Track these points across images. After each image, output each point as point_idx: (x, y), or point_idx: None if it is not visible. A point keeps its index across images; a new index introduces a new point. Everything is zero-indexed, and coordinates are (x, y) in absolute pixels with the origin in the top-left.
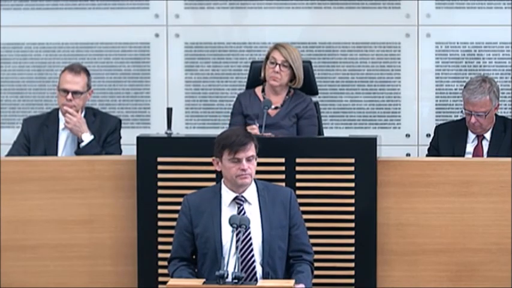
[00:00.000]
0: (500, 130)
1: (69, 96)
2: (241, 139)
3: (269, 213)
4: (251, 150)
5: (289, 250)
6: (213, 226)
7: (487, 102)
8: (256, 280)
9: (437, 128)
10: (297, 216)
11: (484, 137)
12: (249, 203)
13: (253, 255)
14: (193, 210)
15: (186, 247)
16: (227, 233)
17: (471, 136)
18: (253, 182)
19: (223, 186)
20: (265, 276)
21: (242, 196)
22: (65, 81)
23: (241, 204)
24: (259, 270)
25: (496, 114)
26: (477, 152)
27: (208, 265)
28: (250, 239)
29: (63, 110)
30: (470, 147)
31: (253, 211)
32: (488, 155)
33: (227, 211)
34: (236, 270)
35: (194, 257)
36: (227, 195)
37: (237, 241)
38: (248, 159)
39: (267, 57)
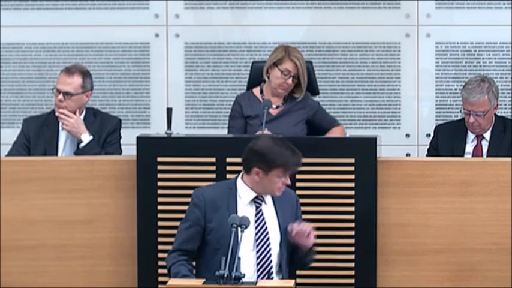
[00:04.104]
0: (500, 130)
1: (60, 96)
2: (297, 160)
3: (283, 215)
4: None
5: (289, 248)
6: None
7: (486, 102)
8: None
9: (437, 128)
10: (300, 218)
11: (483, 137)
12: (265, 203)
13: (270, 255)
14: (209, 205)
15: (194, 240)
16: (240, 232)
17: (470, 136)
18: None
19: (241, 184)
20: (280, 276)
21: (261, 196)
22: (58, 81)
23: (260, 204)
24: (275, 270)
25: (495, 114)
26: (477, 152)
27: (218, 261)
28: (269, 238)
29: (57, 113)
30: (469, 148)
31: (269, 212)
32: (488, 155)
33: (245, 210)
34: (236, 270)
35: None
36: (246, 193)
37: (256, 240)
38: None
39: (276, 64)
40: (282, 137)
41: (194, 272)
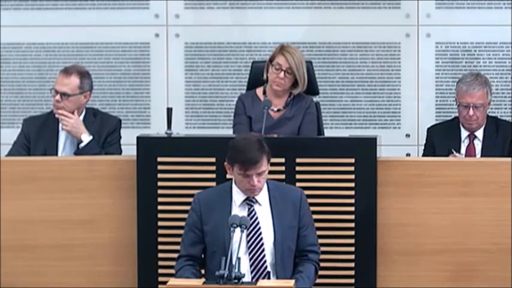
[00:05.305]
0: (493, 130)
1: (57, 97)
2: (253, 156)
3: (280, 214)
4: (263, 166)
5: (296, 250)
6: (223, 225)
7: (485, 94)
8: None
9: (430, 129)
10: (306, 217)
11: (475, 137)
12: (260, 204)
13: (264, 256)
14: (204, 208)
15: (194, 245)
16: (237, 232)
17: (463, 135)
18: (263, 187)
19: (234, 186)
20: (276, 276)
21: (253, 197)
22: (56, 81)
23: (251, 205)
24: (270, 271)
25: (487, 115)
26: (469, 151)
27: (217, 263)
28: (262, 239)
29: (56, 114)
30: (462, 147)
31: (264, 212)
32: (482, 156)
33: (237, 211)
34: (236, 270)
35: (203, 255)
36: (238, 195)
37: (248, 242)
38: (258, 174)
39: (271, 60)
40: (262, 135)
41: (200, 275)
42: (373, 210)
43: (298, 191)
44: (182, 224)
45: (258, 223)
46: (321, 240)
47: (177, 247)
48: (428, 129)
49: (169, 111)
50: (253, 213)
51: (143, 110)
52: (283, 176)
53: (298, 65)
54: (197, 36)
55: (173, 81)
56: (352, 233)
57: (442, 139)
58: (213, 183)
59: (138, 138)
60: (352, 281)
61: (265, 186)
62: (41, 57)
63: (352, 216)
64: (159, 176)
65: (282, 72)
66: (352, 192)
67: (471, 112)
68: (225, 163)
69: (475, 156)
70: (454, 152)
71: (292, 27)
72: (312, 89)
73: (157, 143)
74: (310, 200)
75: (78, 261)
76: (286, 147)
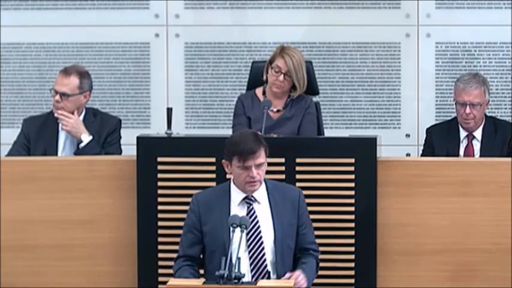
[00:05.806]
0: (491, 130)
1: (57, 97)
2: (251, 147)
3: (279, 212)
4: (261, 157)
5: (296, 248)
6: (222, 225)
7: (482, 93)
8: (269, 279)
9: (429, 130)
10: (305, 216)
11: (474, 137)
12: (259, 203)
13: (264, 254)
14: (202, 208)
15: (193, 245)
16: (236, 232)
17: (461, 136)
18: (262, 182)
19: (232, 186)
20: (276, 275)
21: (252, 196)
22: (56, 82)
23: (250, 204)
24: (270, 269)
25: (485, 114)
26: (468, 152)
27: (216, 263)
28: (261, 237)
29: (56, 114)
30: (461, 148)
31: (263, 210)
32: (481, 156)
33: (236, 210)
34: (236, 270)
35: (202, 255)
36: (237, 194)
37: (247, 240)
38: (257, 166)
39: (271, 62)
40: (257, 131)
41: (198, 275)
42: (373, 210)
43: (297, 190)
44: (182, 224)
45: (257, 221)
46: (321, 240)
47: (177, 247)
48: (427, 129)
49: (169, 111)
50: (252, 211)
51: (143, 110)
52: (283, 176)
53: (298, 68)
54: (197, 36)
55: (173, 81)
56: (352, 233)
57: (441, 139)
58: (213, 183)
59: (138, 138)
60: (352, 281)
61: (264, 185)
62: (41, 57)
63: (352, 216)
64: (159, 176)
65: (282, 75)
66: (352, 192)
67: (468, 110)
68: (223, 160)
69: (473, 156)
70: None
71: (292, 27)
72: (312, 89)
73: (157, 143)
74: (310, 200)
75: (78, 261)
76: (286, 147)
